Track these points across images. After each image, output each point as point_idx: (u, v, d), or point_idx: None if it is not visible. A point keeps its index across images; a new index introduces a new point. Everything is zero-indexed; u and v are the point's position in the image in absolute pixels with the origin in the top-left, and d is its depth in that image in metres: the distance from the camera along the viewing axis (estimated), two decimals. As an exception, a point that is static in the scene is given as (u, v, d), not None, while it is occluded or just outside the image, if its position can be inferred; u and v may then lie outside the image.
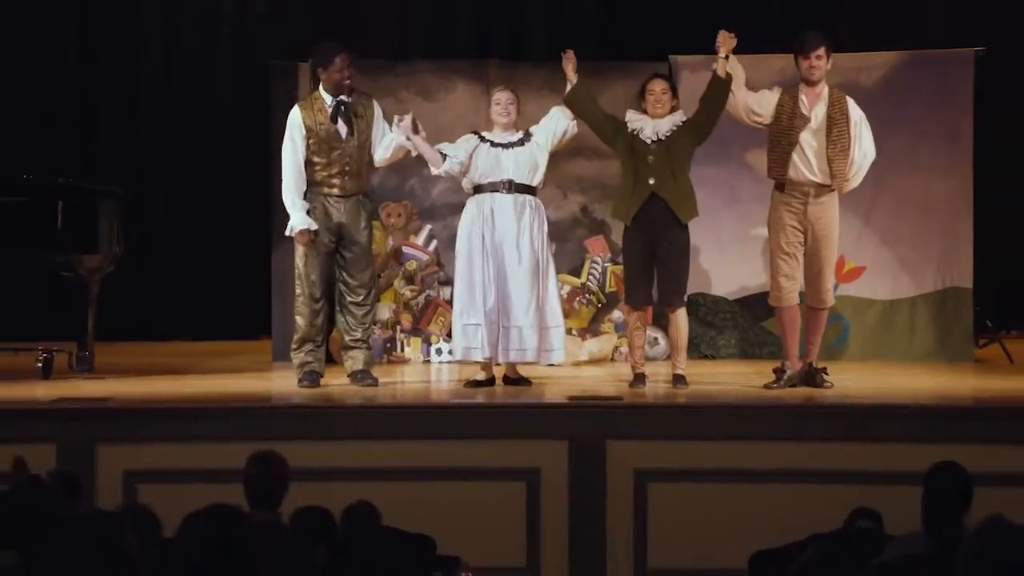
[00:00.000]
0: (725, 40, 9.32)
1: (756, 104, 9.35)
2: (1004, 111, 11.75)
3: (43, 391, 9.25)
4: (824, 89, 9.24)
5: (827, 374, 9.34)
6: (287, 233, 9.35)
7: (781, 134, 9.25)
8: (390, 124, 9.38)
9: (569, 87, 9.47)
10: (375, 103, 9.45)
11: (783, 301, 9.39)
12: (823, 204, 9.22)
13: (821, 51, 9.23)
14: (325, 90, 9.35)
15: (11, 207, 9.77)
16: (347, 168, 9.31)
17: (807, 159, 9.19)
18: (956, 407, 8.97)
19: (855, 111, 9.23)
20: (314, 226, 9.21)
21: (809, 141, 9.19)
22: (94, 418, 8.48)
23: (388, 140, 9.35)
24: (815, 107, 9.22)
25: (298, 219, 9.23)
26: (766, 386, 9.28)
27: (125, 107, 13.22)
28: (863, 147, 9.19)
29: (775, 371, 9.39)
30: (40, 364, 9.97)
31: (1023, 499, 7.66)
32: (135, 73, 13.20)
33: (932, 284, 11.09)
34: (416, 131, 9.33)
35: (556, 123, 9.46)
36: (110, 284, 10.53)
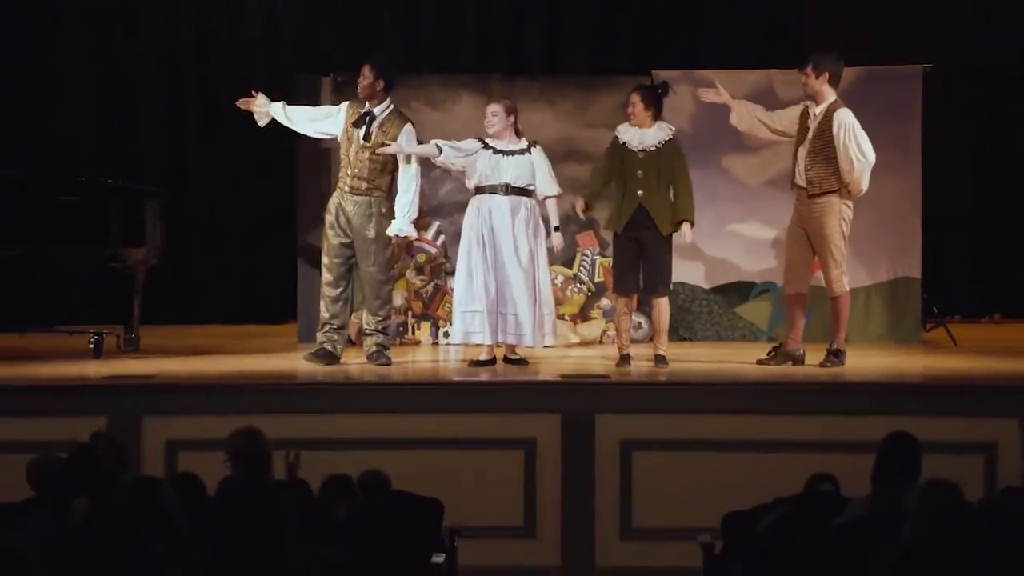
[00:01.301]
0: (709, 94, 9.39)
1: (779, 124, 9.33)
2: (948, 121, 11.73)
3: (95, 369, 9.28)
4: (826, 103, 9.15)
5: (838, 356, 9.24)
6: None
7: (794, 145, 9.26)
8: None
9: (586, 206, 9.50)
10: (408, 127, 9.30)
11: (787, 287, 9.44)
12: (814, 207, 9.14)
13: (807, 68, 9.20)
14: (359, 97, 9.35)
15: (68, 206, 9.79)
16: (359, 171, 9.29)
17: (799, 166, 9.19)
18: (906, 384, 8.99)
19: (840, 120, 9.06)
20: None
21: (802, 150, 9.19)
22: (140, 393, 8.50)
23: (405, 192, 9.25)
24: (814, 120, 9.20)
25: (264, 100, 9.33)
26: (760, 361, 9.36)
27: (167, 114, 13.21)
28: (851, 153, 9.01)
29: (772, 350, 9.48)
30: (92, 345, 9.99)
31: (966, 464, 7.76)
32: (176, 84, 13.20)
33: (885, 274, 11.10)
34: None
35: (541, 185, 9.50)
36: (154, 274, 10.56)
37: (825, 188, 9.11)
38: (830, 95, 9.16)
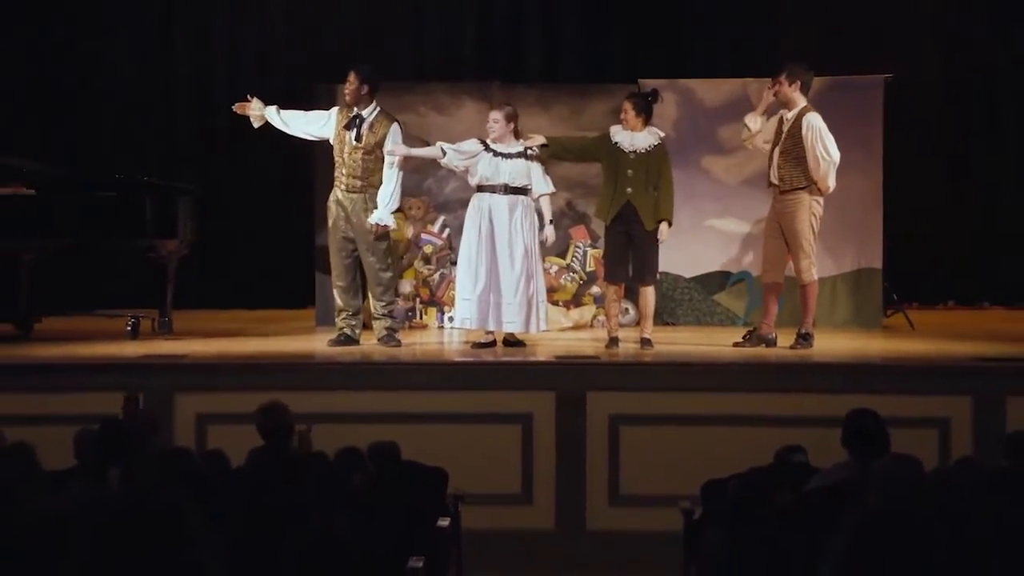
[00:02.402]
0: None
1: (763, 135, 9.34)
2: (907, 125, 11.73)
3: (132, 349, 9.27)
4: (797, 109, 9.15)
5: (807, 339, 9.24)
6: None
7: (770, 147, 9.26)
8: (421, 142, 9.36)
9: (543, 148, 9.45)
10: (395, 126, 9.28)
11: (764, 276, 9.44)
12: (785, 203, 9.16)
13: (780, 77, 9.20)
14: (347, 103, 9.33)
15: (109, 202, 9.78)
16: (352, 170, 9.26)
17: (773, 166, 9.19)
18: (868, 365, 8.98)
19: (807, 123, 9.07)
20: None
21: (776, 151, 9.19)
22: (173, 371, 8.50)
23: (388, 162, 9.23)
24: (786, 124, 9.19)
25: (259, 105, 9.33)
26: (736, 344, 9.35)
27: (197, 117, 13.22)
28: (818, 152, 9.03)
29: (746, 334, 9.46)
30: (129, 328, 9.99)
31: (922, 438, 7.77)
32: (207, 90, 13.21)
33: (850, 265, 11.10)
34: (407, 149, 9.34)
35: (536, 184, 9.47)
36: (185, 264, 10.55)
37: (796, 185, 9.12)
38: (801, 101, 9.18)
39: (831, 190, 9.17)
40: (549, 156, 9.54)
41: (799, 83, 9.18)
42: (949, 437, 8.12)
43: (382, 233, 9.27)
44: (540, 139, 9.50)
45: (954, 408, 8.19)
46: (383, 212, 9.21)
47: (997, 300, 12.97)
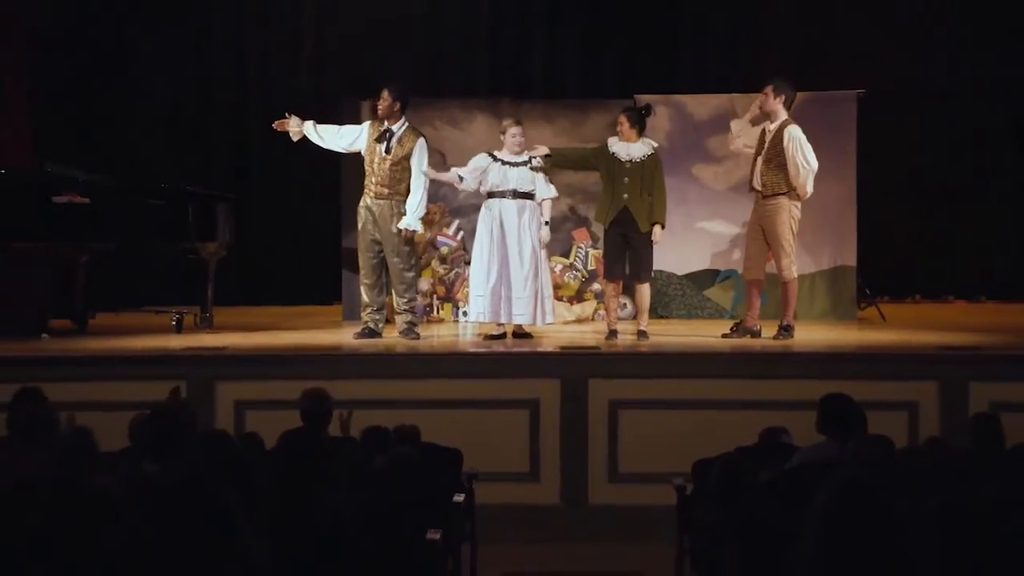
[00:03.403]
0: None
1: (744, 140, 9.34)
2: (878, 135, 11.72)
3: (176, 342, 9.28)
4: (779, 121, 9.15)
5: (788, 331, 9.23)
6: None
7: (753, 156, 9.25)
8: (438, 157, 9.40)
9: (546, 158, 9.48)
10: (421, 140, 9.29)
11: (746, 273, 9.42)
12: (767, 207, 9.15)
13: (767, 90, 9.20)
14: (379, 116, 9.34)
15: (156, 208, 9.81)
16: (381, 179, 9.26)
17: (757, 172, 9.19)
18: (844, 353, 8.98)
19: (788, 134, 9.05)
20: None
21: (759, 160, 9.18)
22: (213, 362, 8.51)
23: (414, 193, 9.21)
24: (768, 134, 9.19)
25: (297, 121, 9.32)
26: (725, 335, 9.33)
27: (234, 129, 13.22)
28: (798, 161, 9.01)
29: (734, 326, 9.45)
30: (174, 322, 10.01)
31: (893, 419, 7.77)
32: (242, 103, 13.22)
33: (827, 263, 11.09)
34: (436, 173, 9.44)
35: (540, 189, 9.48)
36: (224, 264, 10.57)
37: (777, 191, 9.11)
38: (783, 114, 9.17)
39: (808, 195, 9.17)
40: (552, 165, 9.55)
41: (783, 97, 9.17)
42: (918, 419, 8.12)
43: (408, 237, 9.28)
44: (544, 150, 9.52)
45: (922, 392, 8.20)
46: (411, 218, 9.22)
47: (960, 294, 12.97)
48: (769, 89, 9.18)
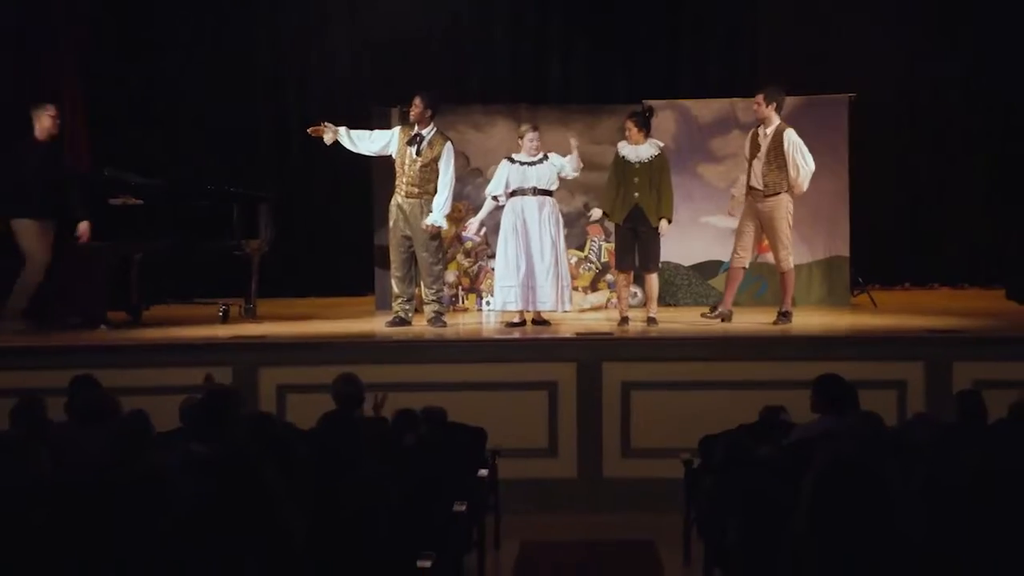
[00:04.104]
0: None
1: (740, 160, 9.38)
2: (869, 135, 11.68)
3: (223, 331, 9.32)
4: (774, 125, 9.15)
5: (786, 316, 9.24)
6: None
7: (751, 159, 9.23)
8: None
9: (604, 216, 9.53)
10: (448, 144, 9.30)
11: (732, 262, 9.40)
12: (767, 204, 9.16)
13: (758, 98, 9.19)
14: (410, 121, 9.35)
15: (203, 208, 9.85)
16: (411, 179, 9.28)
17: (757, 173, 9.17)
18: (838, 337, 8.98)
19: (788, 138, 9.09)
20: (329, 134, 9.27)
21: (757, 163, 9.16)
22: (257, 349, 8.54)
23: (441, 193, 9.21)
24: (765, 139, 9.17)
25: (331, 127, 9.28)
26: (704, 315, 9.31)
27: (276, 133, 13.23)
28: (798, 162, 9.06)
29: (712, 307, 9.42)
30: (221, 313, 10.06)
31: (883, 397, 7.76)
32: (283, 109, 13.21)
33: (822, 253, 11.09)
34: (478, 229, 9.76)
35: (565, 168, 9.47)
36: (266, 259, 10.59)
37: (777, 189, 9.13)
38: (776, 119, 9.18)
39: (803, 192, 9.17)
40: (611, 208, 9.41)
41: (775, 104, 9.18)
42: (906, 396, 8.11)
43: (435, 232, 9.29)
44: (598, 213, 9.52)
45: (910, 372, 8.19)
46: (437, 215, 9.23)
47: (945, 281, 12.95)
48: (760, 97, 9.18)
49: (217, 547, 3.21)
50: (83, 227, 9.16)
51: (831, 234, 11.03)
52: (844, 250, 11.05)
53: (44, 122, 9.23)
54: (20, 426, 5.50)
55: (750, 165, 9.23)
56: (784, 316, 9.26)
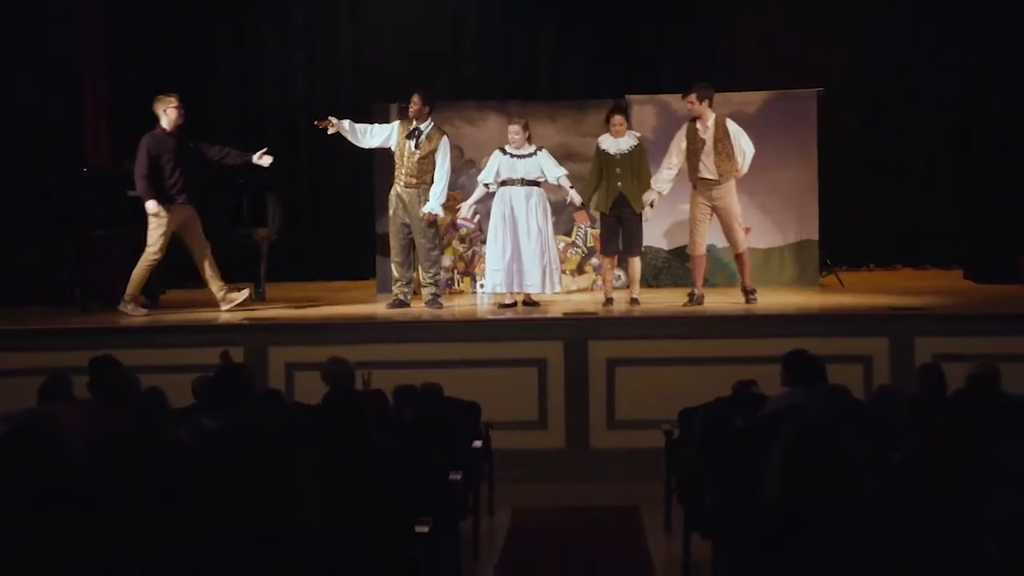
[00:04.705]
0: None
1: (678, 152, 9.27)
2: (835, 129, 11.69)
3: (235, 314, 9.32)
4: (711, 119, 9.15)
5: (753, 294, 9.26)
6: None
7: (691, 153, 9.21)
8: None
9: (581, 203, 9.54)
10: (444, 138, 9.29)
11: (696, 251, 9.40)
12: (721, 190, 9.16)
13: (691, 97, 9.17)
14: (409, 116, 9.34)
15: (214, 198, 9.83)
16: (410, 170, 9.28)
17: (707, 164, 9.16)
18: (808, 315, 9.01)
19: (732, 127, 9.14)
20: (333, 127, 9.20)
21: (706, 156, 9.15)
22: (267, 329, 8.58)
23: (438, 183, 9.21)
24: (707, 132, 9.16)
25: (335, 121, 9.21)
26: (684, 305, 9.30)
27: (284, 125, 13.19)
28: (743, 148, 9.11)
29: (688, 295, 9.40)
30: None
31: (850, 371, 7.79)
32: (291, 103, 13.17)
33: (793, 237, 11.08)
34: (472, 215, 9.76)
35: (548, 174, 9.47)
36: (275, 246, 10.59)
37: (729, 176, 9.15)
38: (710, 114, 9.16)
39: (744, 174, 9.17)
40: (588, 197, 9.47)
41: (708, 100, 9.17)
42: (871, 370, 8.15)
43: (432, 220, 9.29)
44: (577, 200, 9.48)
45: (875, 347, 8.23)
46: (434, 204, 9.23)
47: (907, 263, 12.96)
48: (693, 96, 9.15)
49: (238, 513, 3.24)
50: None
51: (801, 219, 11.03)
52: (813, 234, 11.06)
53: (171, 114, 9.17)
54: (50, 402, 5.51)
55: (698, 159, 9.16)
56: (751, 294, 9.28)
